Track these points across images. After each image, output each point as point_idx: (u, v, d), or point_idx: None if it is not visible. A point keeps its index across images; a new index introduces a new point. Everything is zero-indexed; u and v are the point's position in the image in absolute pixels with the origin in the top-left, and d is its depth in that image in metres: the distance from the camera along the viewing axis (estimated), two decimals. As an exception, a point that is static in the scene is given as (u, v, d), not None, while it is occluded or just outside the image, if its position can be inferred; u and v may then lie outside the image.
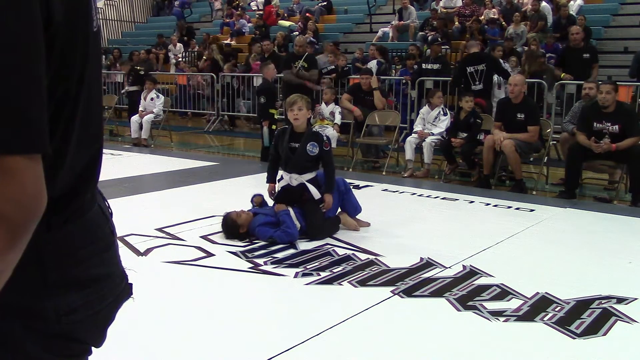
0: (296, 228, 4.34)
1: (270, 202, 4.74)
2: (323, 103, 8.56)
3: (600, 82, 6.52)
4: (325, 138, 4.67)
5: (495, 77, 8.48)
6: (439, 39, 11.70)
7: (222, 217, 4.49)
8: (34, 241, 0.93)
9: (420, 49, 11.54)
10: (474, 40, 10.12)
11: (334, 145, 7.19)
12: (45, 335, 0.97)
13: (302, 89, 8.45)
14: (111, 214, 1.14)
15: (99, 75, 1.07)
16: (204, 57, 13.49)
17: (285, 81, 8.97)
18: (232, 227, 4.37)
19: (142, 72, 11.19)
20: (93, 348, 1.10)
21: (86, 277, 1.02)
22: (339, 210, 4.78)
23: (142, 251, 4.04)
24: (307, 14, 15.30)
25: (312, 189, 4.54)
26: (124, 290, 1.13)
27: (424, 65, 9.92)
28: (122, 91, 11.08)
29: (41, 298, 0.96)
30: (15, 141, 0.77)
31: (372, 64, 10.66)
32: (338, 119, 8.18)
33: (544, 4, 12.49)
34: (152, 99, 9.80)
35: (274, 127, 7.57)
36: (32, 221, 0.80)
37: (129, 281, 1.15)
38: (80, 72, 0.94)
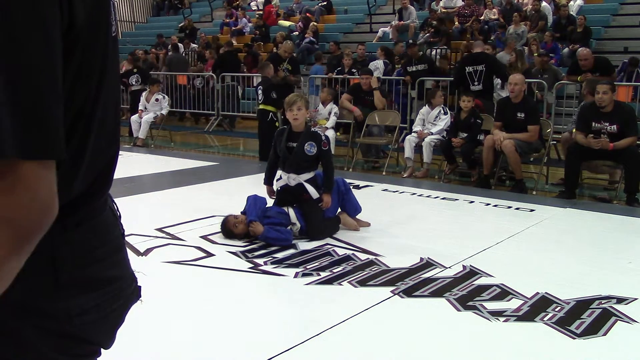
0: (290, 233, 4.34)
1: (270, 202, 4.74)
2: (320, 104, 8.56)
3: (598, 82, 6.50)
4: (323, 138, 4.67)
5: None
6: (440, 39, 11.71)
7: (222, 218, 4.49)
8: (49, 242, 0.93)
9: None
10: (479, 40, 10.10)
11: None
12: (56, 335, 0.98)
13: (289, 89, 8.46)
14: (120, 215, 1.14)
15: (117, 78, 1.08)
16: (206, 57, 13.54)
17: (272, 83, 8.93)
18: (230, 233, 4.39)
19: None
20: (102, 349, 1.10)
21: (98, 279, 1.02)
22: (339, 210, 4.78)
23: (142, 251, 4.04)
24: (307, 14, 15.30)
25: (310, 188, 4.54)
26: (133, 293, 1.13)
27: (409, 68, 9.92)
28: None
29: (53, 299, 0.96)
30: (32, 147, 0.76)
31: (379, 64, 10.65)
32: (332, 121, 8.15)
33: (544, 4, 12.50)
34: (157, 99, 9.81)
35: (277, 124, 7.66)
36: (41, 230, 0.80)
37: (138, 284, 1.16)
38: (99, 75, 0.94)
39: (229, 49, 12.92)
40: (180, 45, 15.23)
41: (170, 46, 14.45)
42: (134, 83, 11.11)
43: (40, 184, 0.77)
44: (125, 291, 1.10)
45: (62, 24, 0.82)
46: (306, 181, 4.56)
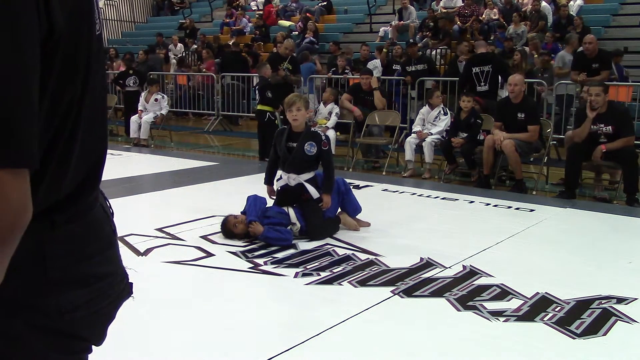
0: (290, 233, 4.34)
1: (270, 202, 4.74)
2: (321, 103, 8.56)
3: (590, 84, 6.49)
4: (323, 138, 4.66)
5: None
6: (440, 38, 11.71)
7: (222, 218, 4.49)
8: (38, 239, 0.94)
9: (403, 49, 11.47)
10: (482, 40, 10.10)
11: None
12: (47, 332, 0.98)
13: (288, 89, 8.47)
14: (112, 213, 1.15)
15: (104, 77, 1.09)
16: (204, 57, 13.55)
17: (272, 83, 8.93)
18: (230, 233, 4.39)
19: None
20: (93, 346, 1.11)
21: (89, 275, 1.03)
22: (339, 210, 4.78)
23: (142, 251, 4.04)
24: (307, 14, 15.29)
25: (311, 188, 4.54)
26: (124, 289, 1.14)
27: (408, 68, 9.92)
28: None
29: (44, 295, 0.97)
30: (3, 155, 0.77)
31: (377, 64, 10.65)
32: (333, 121, 8.15)
33: (544, 4, 12.49)
34: (156, 99, 9.81)
35: (276, 122, 7.72)
36: (14, 233, 0.81)
37: (129, 280, 1.16)
38: (84, 76, 0.95)
39: (235, 49, 12.90)
40: (175, 46, 15.26)
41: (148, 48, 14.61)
42: (131, 84, 11.10)
43: (12, 191, 0.79)
44: (116, 287, 1.10)
45: (42, 29, 0.82)
46: (306, 181, 4.55)
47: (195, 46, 15.68)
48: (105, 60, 1.17)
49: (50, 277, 0.97)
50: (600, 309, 3.22)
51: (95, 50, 0.97)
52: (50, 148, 0.91)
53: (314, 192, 4.53)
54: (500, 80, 8.24)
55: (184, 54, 15.18)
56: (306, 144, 4.51)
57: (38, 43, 0.81)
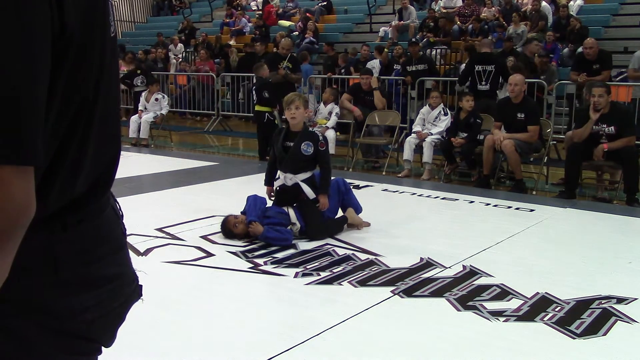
0: (290, 233, 4.34)
1: (270, 202, 4.74)
2: (321, 103, 8.57)
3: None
4: (321, 138, 4.65)
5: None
6: (441, 38, 11.70)
7: (222, 218, 4.49)
8: (49, 240, 0.94)
9: (404, 49, 11.48)
10: (487, 39, 10.10)
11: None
12: (58, 333, 0.98)
13: (289, 88, 8.46)
14: (122, 215, 1.15)
15: (117, 78, 1.08)
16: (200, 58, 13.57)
17: (272, 82, 8.91)
18: (230, 233, 4.39)
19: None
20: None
21: (99, 277, 1.03)
22: (344, 208, 4.76)
23: (142, 251, 4.04)
24: (307, 14, 15.29)
25: (306, 188, 4.52)
26: (134, 291, 1.14)
27: (408, 68, 9.92)
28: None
29: (55, 297, 0.97)
30: (6, 152, 0.77)
31: (375, 64, 10.66)
32: (333, 121, 8.14)
33: (544, 3, 12.49)
34: (156, 99, 9.82)
35: (275, 122, 7.75)
36: (17, 230, 0.81)
37: (139, 282, 1.16)
38: (97, 77, 0.95)
39: (251, 50, 12.90)
40: (175, 46, 15.25)
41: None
42: (139, 84, 11.09)
43: (16, 189, 0.79)
44: (126, 289, 1.10)
45: (53, 26, 0.82)
46: (303, 181, 4.54)
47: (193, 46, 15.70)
48: (118, 61, 1.16)
49: (61, 278, 0.97)
50: (600, 309, 3.22)
51: (108, 51, 0.97)
52: (62, 148, 0.91)
53: (309, 192, 4.51)
54: (501, 81, 8.24)
55: (190, 53, 15.16)
56: (303, 144, 4.49)
57: (49, 40, 0.81)
